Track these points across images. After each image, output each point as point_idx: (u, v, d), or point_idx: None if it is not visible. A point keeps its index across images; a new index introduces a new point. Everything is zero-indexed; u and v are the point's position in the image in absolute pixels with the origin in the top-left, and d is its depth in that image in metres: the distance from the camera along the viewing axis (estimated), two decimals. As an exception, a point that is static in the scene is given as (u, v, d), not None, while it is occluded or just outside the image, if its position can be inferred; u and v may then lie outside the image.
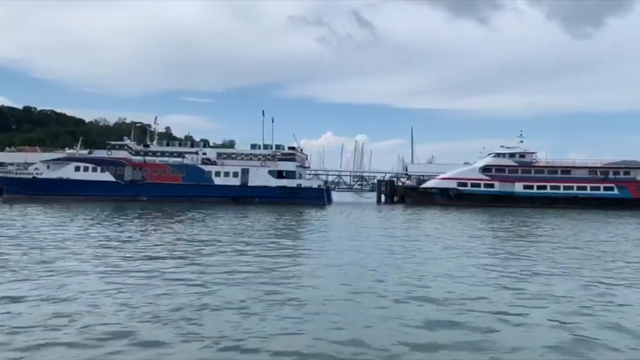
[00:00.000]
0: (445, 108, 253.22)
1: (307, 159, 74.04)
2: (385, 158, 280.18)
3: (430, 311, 11.75)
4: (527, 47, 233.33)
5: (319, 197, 62.92)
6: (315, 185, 66.17)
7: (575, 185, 67.00)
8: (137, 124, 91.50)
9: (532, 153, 70.74)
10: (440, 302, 12.56)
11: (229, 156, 66.04)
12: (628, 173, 68.28)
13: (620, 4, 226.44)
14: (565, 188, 66.97)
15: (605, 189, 66.73)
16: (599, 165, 69.62)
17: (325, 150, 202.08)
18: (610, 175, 67.94)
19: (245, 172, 63.06)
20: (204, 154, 64.75)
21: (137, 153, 63.82)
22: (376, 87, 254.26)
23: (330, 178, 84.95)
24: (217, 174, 62.88)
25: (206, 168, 63.04)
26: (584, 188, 66.76)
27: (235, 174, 63.01)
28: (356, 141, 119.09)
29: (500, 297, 13.29)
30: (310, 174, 77.39)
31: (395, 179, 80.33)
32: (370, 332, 10.04)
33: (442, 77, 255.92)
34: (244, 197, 60.89)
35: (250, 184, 62.59)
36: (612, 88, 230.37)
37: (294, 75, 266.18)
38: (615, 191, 66.49)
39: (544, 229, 34.82)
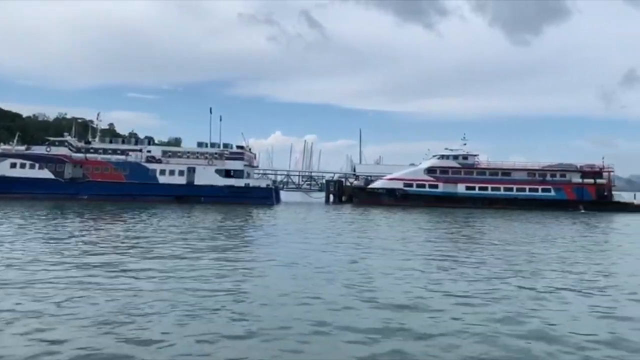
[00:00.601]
0: (393, 110, 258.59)
1: (255, 158, 73.53)
2: (334, 158, 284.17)
3: (375, 314, 11.89)
4: (471, 52, 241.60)
5: (267, 196, 62.65)
6: (263, 185, 65.88)
7: (514, 186, 69.70)
8: (79, 120, 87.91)
9: (475, 155, 73.00)
10: (385, 305, 12.73)
11: (175, 154, 64.55)
12: (564, 175, 71.48)
13: (557, 13, 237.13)
14: (505, 189, 69.53)
15: (543, 190, 69.70)
16: (537, 167, 72.56)
17: (274, 150, 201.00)
18: (548, 178, 71.01)
19: (191, 170, 62.06)
20: (149, 151, 63.18)
21: (78, 150, 61.65)
22: (326, 88, 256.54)
23: (279, 178, 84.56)
24: (162, 172, 61.59)
25: (150, 166, 61.60)
26: (523, 189, 69.58)
27: (181, 173, 61.91)
28: (305, 141, 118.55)
29: (441, 299, 13.61)
30: (258, 174, 76.95)
31: (343, 179, 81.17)
32: (317, 339, 10.06)
33: (390, 79, 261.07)
34: (189, 196, 59.90)
35: (196, 182, 61.66)
36: (550, 94, 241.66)
37: (243, 73, 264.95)
38: (552, 193, 69.55)
39: (483, 230, 35.95)
